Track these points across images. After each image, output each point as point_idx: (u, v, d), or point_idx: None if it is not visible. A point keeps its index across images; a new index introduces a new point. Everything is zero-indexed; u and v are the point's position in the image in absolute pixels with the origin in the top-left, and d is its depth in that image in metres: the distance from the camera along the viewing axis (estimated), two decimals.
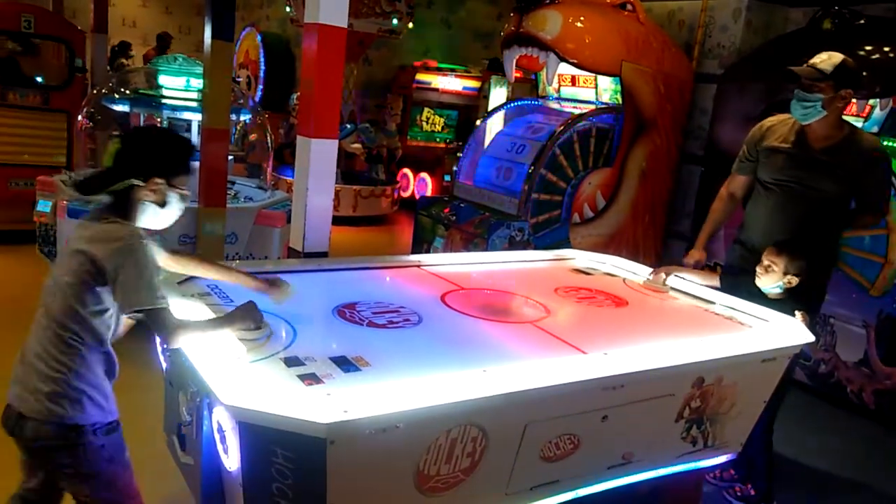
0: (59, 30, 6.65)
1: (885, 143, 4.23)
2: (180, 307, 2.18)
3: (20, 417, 1.91)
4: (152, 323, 1.91)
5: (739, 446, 2.86)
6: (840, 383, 4.45)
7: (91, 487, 1.99)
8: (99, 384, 1.96)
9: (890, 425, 4.26)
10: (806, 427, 4.15)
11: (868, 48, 4.58)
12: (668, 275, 3.26)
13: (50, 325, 1.90)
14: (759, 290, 3.06)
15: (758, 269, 3.05)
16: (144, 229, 2.00)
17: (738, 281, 3.17)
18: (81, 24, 8.76)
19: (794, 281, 2.97)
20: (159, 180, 1.97)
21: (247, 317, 2.11)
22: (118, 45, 11.09)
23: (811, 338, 2.72)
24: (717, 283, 3.25)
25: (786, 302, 2.99)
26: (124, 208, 1.96)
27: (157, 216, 2.02)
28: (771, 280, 3.00)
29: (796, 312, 2.89)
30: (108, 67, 9.99)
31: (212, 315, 2.20)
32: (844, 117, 3.22)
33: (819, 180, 3.10)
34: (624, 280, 3.44)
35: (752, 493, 3.28)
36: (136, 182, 1.94)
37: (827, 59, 3.01)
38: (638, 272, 3.53)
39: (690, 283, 3.26)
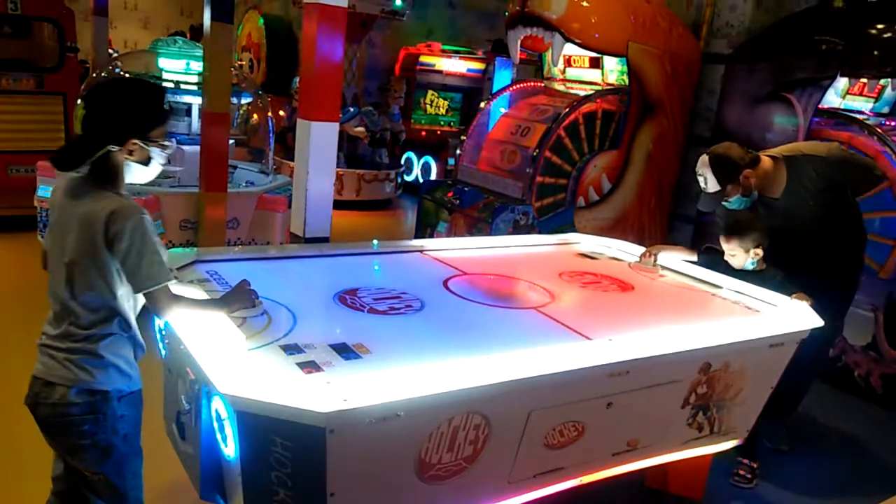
0: (46, 9, 6.42)
1: None
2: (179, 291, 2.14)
3: (46, 385, 1.88)
4: (152, 297, 1.87)
5: (746, 433, 2.83)
6: (847, 367, 4.41)
7: (100, 462, 1.96)
8: (124, 354, 1.94)
9: None
10: (812, 411, 4.11)
11: (880, 27, 4.49)
12: (656, 255, 3.34)
13: (67, 304, 1.86)
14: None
15: (727, 259, 3.17)
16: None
17: (717, 258, 3.28)
18: (82, 8, 8.68)
19: (760, 252, 3.10)
20: (135, 140, 1.88)
21: (243, 297, 2.10)
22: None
23: (820, 322, 2.68)
24: (694, 258, 3.37)
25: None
26: (108, 173, 1.88)
27: (141, 173, 1.95)
28: (741, 262, 3.13)
29: (796, 295, 2.89)
30: None
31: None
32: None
33: (798, 217, 3.22)
34: (629, 264, 3.40)
35: (755, 465, 3.27)
36: (112, 148, 1.85)
37: (706, 177, 3.14)
38: None
39: (699, 269, 3.23)
